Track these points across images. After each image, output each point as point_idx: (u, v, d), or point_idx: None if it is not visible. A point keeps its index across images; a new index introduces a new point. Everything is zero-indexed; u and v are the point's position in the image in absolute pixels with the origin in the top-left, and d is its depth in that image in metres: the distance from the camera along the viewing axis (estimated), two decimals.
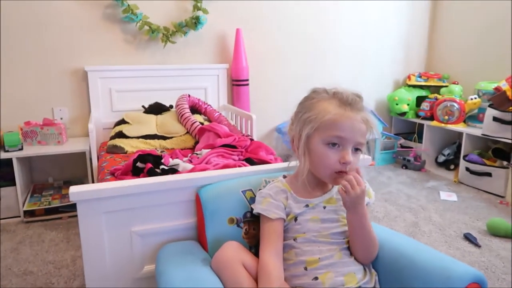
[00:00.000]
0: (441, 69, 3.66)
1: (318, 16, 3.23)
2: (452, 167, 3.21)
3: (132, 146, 2.25)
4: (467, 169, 2.88)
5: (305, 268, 1.02)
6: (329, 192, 1.10)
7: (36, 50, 2.52)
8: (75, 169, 2.66)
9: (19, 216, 2.29)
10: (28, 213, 2.29)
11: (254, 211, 1.11)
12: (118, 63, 2.70)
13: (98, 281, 1.15)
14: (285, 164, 1.30)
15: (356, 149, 1.03)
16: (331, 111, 1.01)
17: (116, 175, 1.73)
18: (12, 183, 2.26)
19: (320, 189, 1.10)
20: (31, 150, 2.34)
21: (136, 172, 1.67)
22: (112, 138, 2.36)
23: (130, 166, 1.69)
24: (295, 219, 1.07)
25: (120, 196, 1.12)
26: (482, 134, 2.79)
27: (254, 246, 1.16)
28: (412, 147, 3.47)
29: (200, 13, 2.75)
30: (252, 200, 1.16)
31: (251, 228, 1.16)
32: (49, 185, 2.63)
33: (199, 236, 1.21)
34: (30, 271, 1.76)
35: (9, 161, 2.24)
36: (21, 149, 2.31)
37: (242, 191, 1.18)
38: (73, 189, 1.07)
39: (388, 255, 1.07)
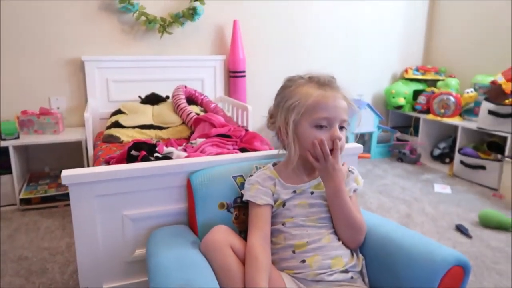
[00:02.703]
0: (438, 62, 3.67)
1: (314, 8, 3.23)
2: (447, 160, 3.22)
3: (128, 136, 2.27)
4: (462, 162, 2.90)
5: (293, 252, 1.04)
6: (317, 178, 1.11)
7: (34, 39, 2.52)
8: (72, 158, 2.66)
9: (15, 204, 2.31)
10: (24, 201, 2.30)
11: (243, 198, 1.12)
12: (115, 53, 2.71)
13: (90, 263, 1.17)
14: (275, 152, 1.31)
15: (341, 128, 1.06)
16: (313, 94, 1.04)
17: (110, 163, 1.74)
18: (9, 171, 2.28)
19: (308, 175, 1.12)
20: (28, 139, 2.35)
21: (130, 160, 1.68)
22: (108, 128, 2.37)
23: (125, 154, 1.70)
24: (283, 205, 1.09)
25: (112, 180, 1.13)
26: (477, 128, 2.80)
27: (243, 231, 1.17)
28: (408, 141, 3.48)
29: (197, 3, 2.74)
30: (243, 185, 1.17)
31: (241, 213, 1.18)
32: (46, 174, 2.65)
33: (190, 220, 1.22)
34: (25, 256, 1.78)
35: (5, 150, 2.25)
36: (18, 137, 2.32)
37: (233, 177, 1.19)
38: (65, 172, 1.09)
39: (376, 240, 1.09)
